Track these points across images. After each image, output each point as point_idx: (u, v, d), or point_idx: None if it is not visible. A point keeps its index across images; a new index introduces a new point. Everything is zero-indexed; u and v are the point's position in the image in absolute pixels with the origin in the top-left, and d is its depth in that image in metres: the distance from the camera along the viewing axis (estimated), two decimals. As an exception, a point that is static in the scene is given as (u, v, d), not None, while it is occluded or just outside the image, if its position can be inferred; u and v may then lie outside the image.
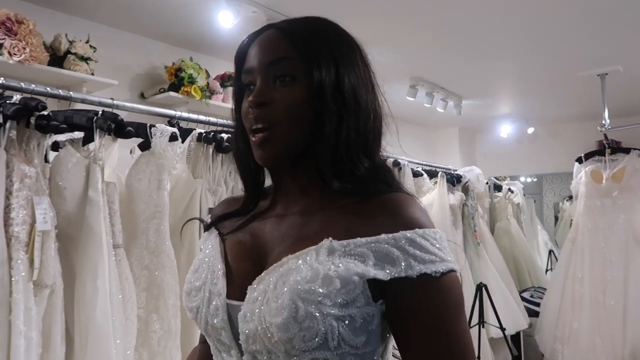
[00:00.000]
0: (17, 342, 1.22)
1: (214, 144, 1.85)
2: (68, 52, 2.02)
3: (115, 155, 1.70)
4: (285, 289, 0.62)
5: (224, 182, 1.89)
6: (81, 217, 1.45)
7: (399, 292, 0.63)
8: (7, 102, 1.37)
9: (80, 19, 2.30)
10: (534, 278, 4.38)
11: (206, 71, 2.53)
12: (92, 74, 2.09)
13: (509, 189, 4.71)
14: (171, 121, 1.86)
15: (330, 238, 0.65)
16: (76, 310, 1.41)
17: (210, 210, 1.80)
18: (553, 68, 3.23)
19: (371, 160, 0.73)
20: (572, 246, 3.53)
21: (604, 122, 3.40)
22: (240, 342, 0.67)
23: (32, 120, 1.37)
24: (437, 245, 0.64)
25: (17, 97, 1.40)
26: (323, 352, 0.61)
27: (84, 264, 1.43)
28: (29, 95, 1.45)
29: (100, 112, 1.54)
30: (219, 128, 1.97)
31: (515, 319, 3.43)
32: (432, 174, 3.31)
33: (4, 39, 1.83)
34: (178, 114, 1.87)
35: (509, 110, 4.46)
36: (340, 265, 0.62)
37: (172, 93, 2.40)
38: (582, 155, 3.59)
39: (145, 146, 1.70)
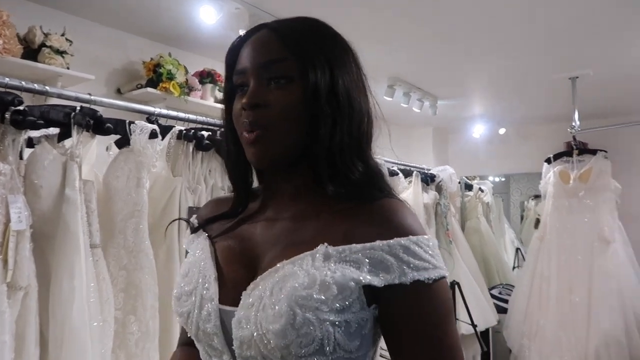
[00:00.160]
0: (-10, 346, 1.19)
1: (194, 141, 1.83)
2: (43, 44, 1.97)
3: (94, 153, 1.66)
4: (283, 295, 0.62)
5: (204, 181, 1.87)
6: (57, 216, 1.42)
7: (393, 298, 0.64)
8: (-20, 96, 1.32)
9: (56, 10, 2.23)
10: (502, 275, 4.48)
11: (185, 67, 2.49)
12: (68, 68, 2.04)
13: (480, 188, 4.81)
14: (150, 118, 1.83)
15: (325, 244, 0.65)
16: (51, 311, 1.38)
17: (190, 209, 1.79)
18: (527, 70, 3.30)
19: (365, 163, 0.73)
20: (540, 244, 3.63)
21: (574, 124, 3.50)
22: (233, 347, 0.66)
23: (7, 115, 1.33)
24: (430, 252, 0.65)
25: (-10, 91, 1.36)
26: (319, 357, 0.62)
27: (60, 264, 1.39)
28: (2, 89, 1.40)
29: (78, 108, 1.50)
30: (199, 125, 1.95)
31: (486, 316, 3.51)
32: (407, 173, 3.35)
33: (-26, 29, 1.77)
34: (157, 110, 1.84)
35: (483, 111, 4.53)
36: (337, 271, 0.63)
37: (149, 89, 2.36)
38: (551, 156, 3.69)
39: (122, 143, 1.67)
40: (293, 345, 0.61)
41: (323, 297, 0.61)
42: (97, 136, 1.61)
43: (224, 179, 1.89)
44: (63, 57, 2.02)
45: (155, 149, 1.67)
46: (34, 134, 1.51)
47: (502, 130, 4.92)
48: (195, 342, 0.75)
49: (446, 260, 3.49)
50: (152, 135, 1.66)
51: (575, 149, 3.56)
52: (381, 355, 0.76)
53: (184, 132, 1.83)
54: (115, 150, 1.71)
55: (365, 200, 0.70)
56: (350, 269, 0.63)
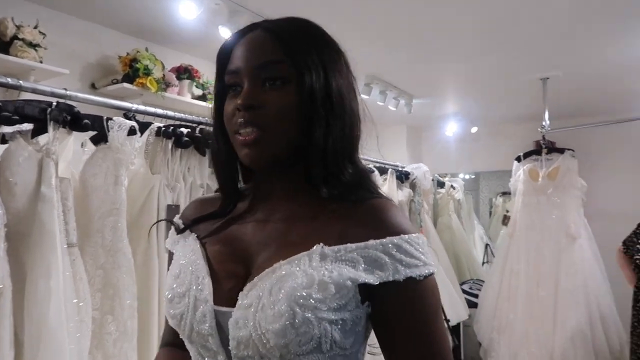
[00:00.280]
0: (-35, 348, 1.15)
1: (173, 138, 1.80)
2: (15, 37, 1.90)
3: (70, 150, 1.62)
4: (282, 295, 0.63)
5: (183, 178, 1.84)
6: (33, 215, 1.38)
7: (387, 295, 0.66)
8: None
9: (29, 2, 2.16)
10: (472, 271, 4.58)
11: (162, 63, 2.45)
12: (41, 62, 1.97)
13: (452, 186, 4.90)
14: (127, 114, 1.79)
15: (321, 244, 0.67)
16: (27, 312, 1.34)
17: (169, 207, 1.77)
18: (499, 70, 3.37)
19: (354, 164, 0.75)
20: (509, 241, 3.73)
21: (544, 123, 3.60)
22: (229, 347, 0.67)
23: (-19, 111, 1.29)
24: (420, 250, 0.67)
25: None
26: (316, 354, 0.63)
27: (36, 264, 1.35)
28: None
29: (54, 103, 1.46)
30: (177, 122, 1.92)
31: (457, 311, 3.59)
32: (382, 171, 3.38)
33: (-59, 19, 1.70)
34: (135, 106, 1.80)
35: (456, 109, 4.60)
36: (334, 271, 0.64)
37: (126, 84, 2.31)
38: (521, 154, 3.79)
39: (99, 140, 1.63)
40: (292, 344, 0.62)
41: (322, 297, 0.63)
42: (74, 133, 1.57)
43: (202, 176, 1.88)
44: (36, 50, 1.96)
45: (133, 146, 1.64)
46: (7, 129, 1.46)
47: (474, 129, 5.02)
48: (187, 343, 0.74)
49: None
50: (131, 132, 1.63)
51: (544, 148, 3.66)
52: (369, 353, 0.77)
53: (163, 129, 1.80)
54: (90, 146, 1.66)
55: (357, 201, 0.71)
56: (347, 268, 0.65)
